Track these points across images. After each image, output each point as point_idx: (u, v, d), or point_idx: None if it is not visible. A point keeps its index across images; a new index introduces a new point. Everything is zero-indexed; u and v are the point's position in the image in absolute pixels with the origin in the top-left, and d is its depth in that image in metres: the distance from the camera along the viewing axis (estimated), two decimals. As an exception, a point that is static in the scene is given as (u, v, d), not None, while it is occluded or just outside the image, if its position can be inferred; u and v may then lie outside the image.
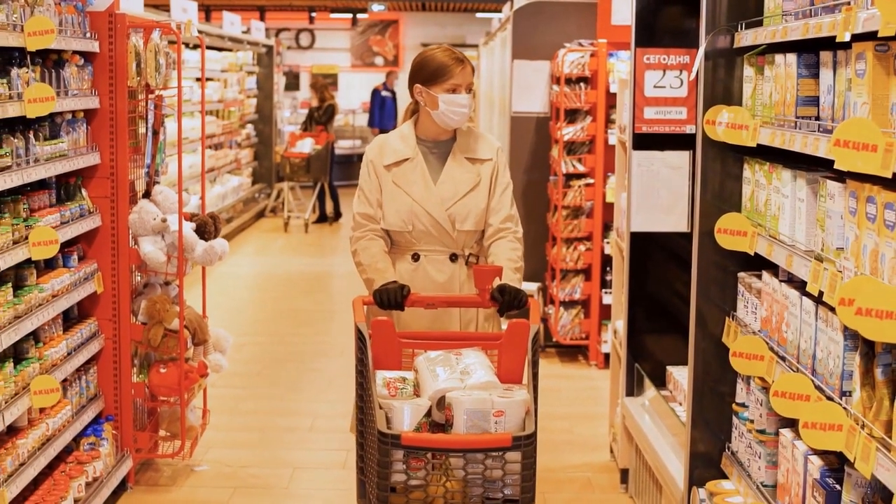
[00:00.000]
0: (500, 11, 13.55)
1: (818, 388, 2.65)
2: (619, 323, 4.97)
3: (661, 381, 4.56)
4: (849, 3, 2.45)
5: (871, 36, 2.31)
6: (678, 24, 4.53)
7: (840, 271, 2.50)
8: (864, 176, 2.41)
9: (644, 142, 4.62)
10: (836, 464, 2.68)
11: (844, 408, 2.47)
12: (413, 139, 3.72)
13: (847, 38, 2.41)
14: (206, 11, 17.27)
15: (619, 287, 5.19)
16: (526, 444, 2.85)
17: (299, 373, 6.77)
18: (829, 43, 2.62)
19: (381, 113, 17.05)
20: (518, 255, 3.66)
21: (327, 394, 6.29)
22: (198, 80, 10.43)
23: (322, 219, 13.50)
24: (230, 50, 12.97)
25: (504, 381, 3.19)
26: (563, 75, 6.84)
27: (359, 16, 20.51)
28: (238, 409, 5.96)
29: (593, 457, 5.21)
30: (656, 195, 4.61)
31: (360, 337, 3.17)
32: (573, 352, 7.15)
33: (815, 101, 2.81)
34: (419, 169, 3.68)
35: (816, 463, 2.72)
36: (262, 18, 18.30)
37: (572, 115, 6.97)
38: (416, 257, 3.67)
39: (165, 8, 13.03)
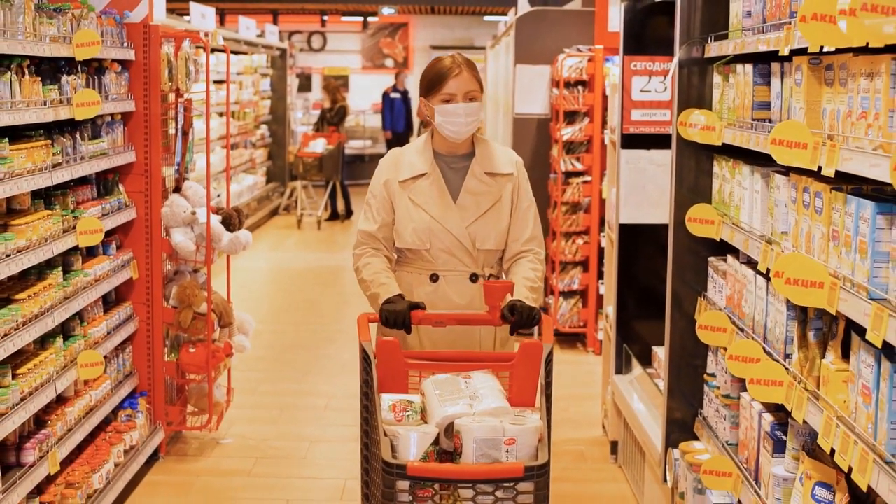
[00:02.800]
0: (506, 15, 13.98)
1: (767, 352, 3.08)
2: (610, 308, 5.40)
3: (647, 361, 4.98)
4: (789, 23, 2.87)
5: (806, 51, 2.74)
6: (663, 33, 4.94)
7: (783, 251, 2.93)
8: (804, 171, 2.83)
9: (632, 141, 5.07)
10: (784, 419, 3.10)
11: (785, 367, 2.90)
12: (429, 153, 3.55)
13: (788, 52, 2.84)
14: (221, 15, 17.72)
15: (610, 275, 5.61)
16: (539, 474, 2.69)
17: (314, 358, 7.22)
18: (779, 55, 3.04)
19: (392, 115, 17.20)
20: (537, 275, 3.48)
21: (340, 377, 6.73)
22: (217, 83, 10.88)
23: (334, 216, 13.95)
24: (245, 53, 13.43)
25: (515, 405, 3.05)
26: (562, 79, 7.28)
27: (369, 19, 20.95)
28: (258, 391, 6.41)
29: (587, 432, 5.64)
30: (643, 190, 5.05)
31: (364, 357, 3.04)
32: (572, 339, 7.59)
33: (767, 105, 3.24)
34: (437, 185, 3.51)
35: (768, 419, 3.14)
36: (275, 22, 18.75)
37: (571, 117, 7.40)
38: (434, 278, 3.50)
39: (182, 12, 13.53)
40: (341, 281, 10.35)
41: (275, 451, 5.36)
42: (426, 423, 2.93)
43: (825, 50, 2.60)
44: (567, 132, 7.33)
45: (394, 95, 17.27)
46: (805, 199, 2.79)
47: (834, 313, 2.52)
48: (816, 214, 2.69)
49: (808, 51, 2.64)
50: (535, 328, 3.41)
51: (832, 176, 2.51)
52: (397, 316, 3.26)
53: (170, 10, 12.29)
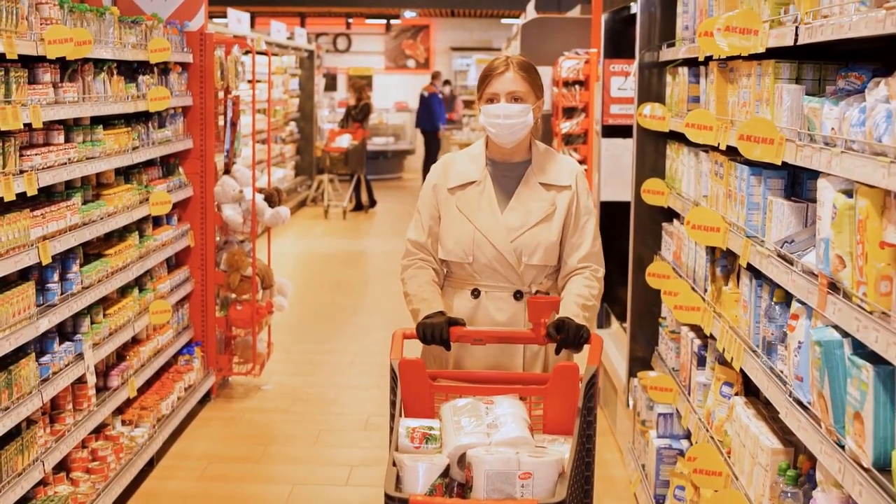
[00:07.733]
0: (519, 17, 14.89)
1: (693, 288, 3.99)
2: (594, 274, 6.30)
3: (624, 318, 5.87)
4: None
5: (712, 58, 3.64)
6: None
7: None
8: (716, 148, 3.73)
9: (610, 131, 5.98)
10: (707, 342, 4.00)
11: (702, 297, 3.81)
12: (482, 160, 3.33)
13: (703, 58, 3.74)
14: (252, 18, 18.69)
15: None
16: None
17: (340, 325, 8.17)
18: (706, 60, 3.94)
19: (429, 114, 17.54)
20: (592, 292, 3.21)
21: (364, 340, 7.66)
22: (256, 81, 11.84)
23: (358, 207, 14.88)
24: (276, 55, 14.40)
25: (551, 432, 2.88)
26: (561, 79, 8.19)
27: (392, 21, 21.93)
28: (293, 350, 7.36)
29: (575, 382, 6.54)
30: (620, 172, 5.95)
31: (393, 377, 2.90)
32: (570, 311, 8.48)
33: (697, 99, 4.14)
34: (486, 194, 3.29)
35: (696, 342, 4.05)
36: (302, 24, 19.72)
37: (569, 112, 8.32)
38: (475, 293, 3.28)
39: (215, 14, 14.47)
40: (364, 263, 11.31)
41: (308, 395, 6.30)
42: None
43: (730, 56, 3.50)
44: (566, 126, 8.23)
45: (432, 96, 17.78)
46: (716, 169, 3.70)
47: (724, 249, 3.43)
48: (720, 179, 3.60)
49: (713, 57, 3.55)
50: None
51: (725, 149, 3.41)
52: (435, 330, 3.05)
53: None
